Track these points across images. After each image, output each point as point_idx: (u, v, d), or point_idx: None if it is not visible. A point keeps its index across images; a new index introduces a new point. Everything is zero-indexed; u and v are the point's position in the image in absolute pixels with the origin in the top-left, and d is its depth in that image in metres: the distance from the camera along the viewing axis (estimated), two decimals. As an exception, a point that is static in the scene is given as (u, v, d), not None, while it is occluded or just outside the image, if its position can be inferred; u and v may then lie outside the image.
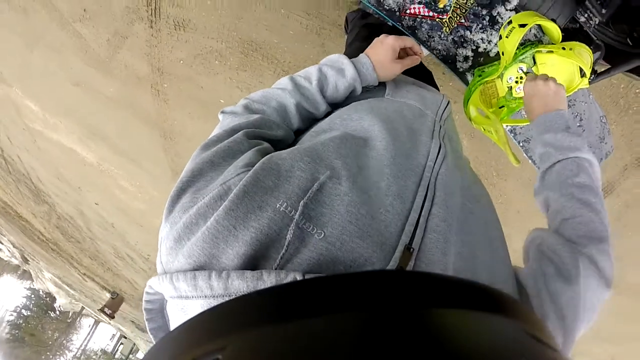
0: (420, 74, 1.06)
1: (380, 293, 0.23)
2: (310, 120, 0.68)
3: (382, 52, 0.73)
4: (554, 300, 0.48)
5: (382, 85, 0.78)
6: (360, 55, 0.74)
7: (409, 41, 0.77)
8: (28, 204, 3.67)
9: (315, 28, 2.01)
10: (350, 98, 0.72)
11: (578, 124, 1.24)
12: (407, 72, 0.92)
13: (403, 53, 0.79)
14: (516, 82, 0.96)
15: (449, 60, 0.97)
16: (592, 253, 0.52)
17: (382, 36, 0.76)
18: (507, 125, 1.14)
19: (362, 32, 1.26)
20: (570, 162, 0.66)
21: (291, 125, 0.65)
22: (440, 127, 0.66)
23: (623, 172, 2.21)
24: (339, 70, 0.70)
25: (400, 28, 0.95)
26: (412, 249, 0.42)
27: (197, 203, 0.40)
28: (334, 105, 0.71)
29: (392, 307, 0.22)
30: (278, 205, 0.39)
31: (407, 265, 0.40)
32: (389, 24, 0.98)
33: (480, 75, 0.92)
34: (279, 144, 0.56)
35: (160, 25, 2.28)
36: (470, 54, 0.94)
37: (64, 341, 24.55)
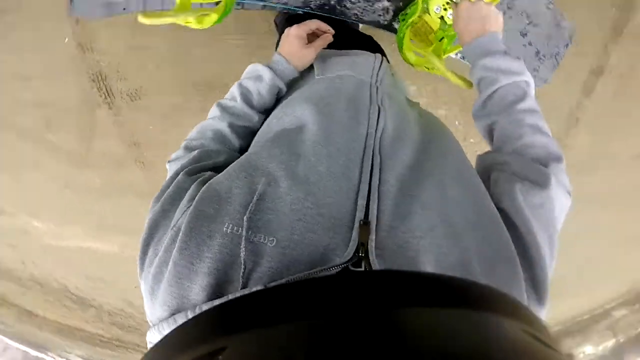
0: (360, 42, 1.05)
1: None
2: (252, 134, 0.70)
3: (290, 44, 0.76)
4: (535, 213, 0.48)
5: (312, 69, 0.79)
6: (274, 54, 0.77)
7: (312, 24, 0.79)
8: (76, 314, 3.78)
9: (254, 43, 2.03)
10: (283, 97, 0.74)
11: (527, 22, 1.21)
12: (348, 44, 0.91)
13: (313, 36, 0.80)
14: (445, 9, 0.94)
15: (371, 20, 0.96)
16: (555, 172, 0.53)
17: (286, 29, 0.78)
18: (456, 54, 1.12)
19: (285, 28, 1.28)
20: (515, 86, 0.65)
21: (232, 146, 0.67)
22: (377, 88, 0.65)
23: (604, 50, 2.15)
24: (256, 78, 0.73)
25: (312, 12, 0.95)
26: (368, 222, 0.41)
27: (158, 254, 0.41)
28: (270, 111, 0.72)
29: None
30: (224, 228, 0.39)
31: (367, 240, 0.40)
32: (301, 12, 0.98)
33: (403, 20, 0.91)
34: (223, 169, 0.59)
35: (118, 103, 2.33)
36: (387, 4, 0.94)
37: None
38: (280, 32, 1.41)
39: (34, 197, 2.75)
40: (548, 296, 0.44)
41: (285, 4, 0.93)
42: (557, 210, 0.51)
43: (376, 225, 0.42)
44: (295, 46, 0.76)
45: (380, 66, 0.75)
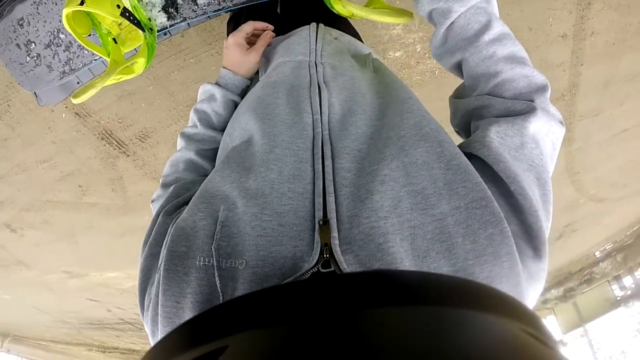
0: (302, 15, 1.00)
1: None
2: None
3: (231, 54, 0.74)
4: (515, 155, 0.44)
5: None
6: (220, 69, 0.75)
7: (247, 27, 0.75)
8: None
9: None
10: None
11: None
12: (291, 23, 0.83)
13: (254, 38, 0.77)
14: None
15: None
16: (542, 105, 0.48)
17: (225, 41, 0.76)
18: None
19: (229, 28, 1.26)
20: (475, 11, 0.54)
21: (206, 172, 0.65)
22: (316, 65, 0.62)
23: None
24: (209, 99, 0.72)
25: (235, 8, 0.96)
26: (327, 220, 0.40)
27: (152, 298, 0.43)
28: None
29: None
30: (197, 262, 0.40)
31: (329, 239, 0.39)
32: (227, 13, 1.00)
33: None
34: None
35: (132, 149, 2.50)
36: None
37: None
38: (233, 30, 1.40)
39: (97, 254, 3.06)
40: (545, 247, 0.40)
41: (204, 13, 0.96)
42: (547, 147, 0.46)
43: (337, 220, 0.40)
44: (236, 55, 0.73)
45: (316, 37, 0.70)
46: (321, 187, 0.42)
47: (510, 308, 0.23)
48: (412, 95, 0.53)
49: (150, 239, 0.48)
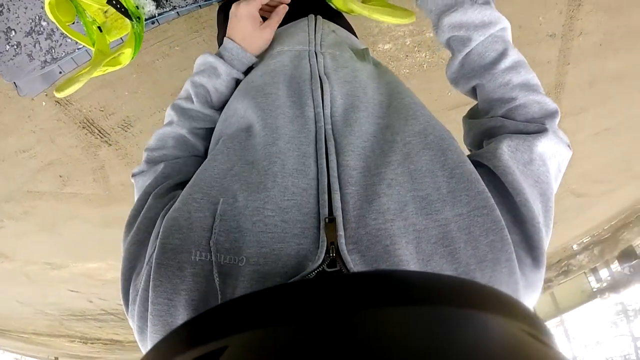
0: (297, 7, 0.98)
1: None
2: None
3: (242, 26, 0.65)
4: (523, 170, 0.45)
5: None
6: (224, 40, 0.65)
7: None
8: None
9: (213, 34, 2.02)
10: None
11: None
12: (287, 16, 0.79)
13: (267, 7, 0.69)
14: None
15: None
16: (553, 129, 0.49)
17: (233, 7, 0.66)
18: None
19: (220, 17, 1.21)
20: (493, 40, 0.55)
21: (198, 152, 0.62)
22: (316, 54, 0.59)
23: None
24: (210, 73, 0.63)
25: None
26: (333, 218, 0.39)
27: (139, 291, 0.40)
28: None
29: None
30: (192, 257, 0.38)
31: (335, 238, 0.38)
32: (219, 2, 0.97)
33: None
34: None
35: (114, 138, 2.43)
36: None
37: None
38: (224, 19, 1.35)
39: (79, 245, 3.00)
40: (544, 257, 0.41)
41: (195, 2, 0.92)
42: (553, 167, 0.47)
43: (343, 219, 0.39)
44: (248, 29, 0.64)
45: (315, 27, 0.67)
46: (325, 183, 0.41)
47: (509, 308, 0.23)
48: (416, 99, 0.53)
49: (137, 223, 0.45)
